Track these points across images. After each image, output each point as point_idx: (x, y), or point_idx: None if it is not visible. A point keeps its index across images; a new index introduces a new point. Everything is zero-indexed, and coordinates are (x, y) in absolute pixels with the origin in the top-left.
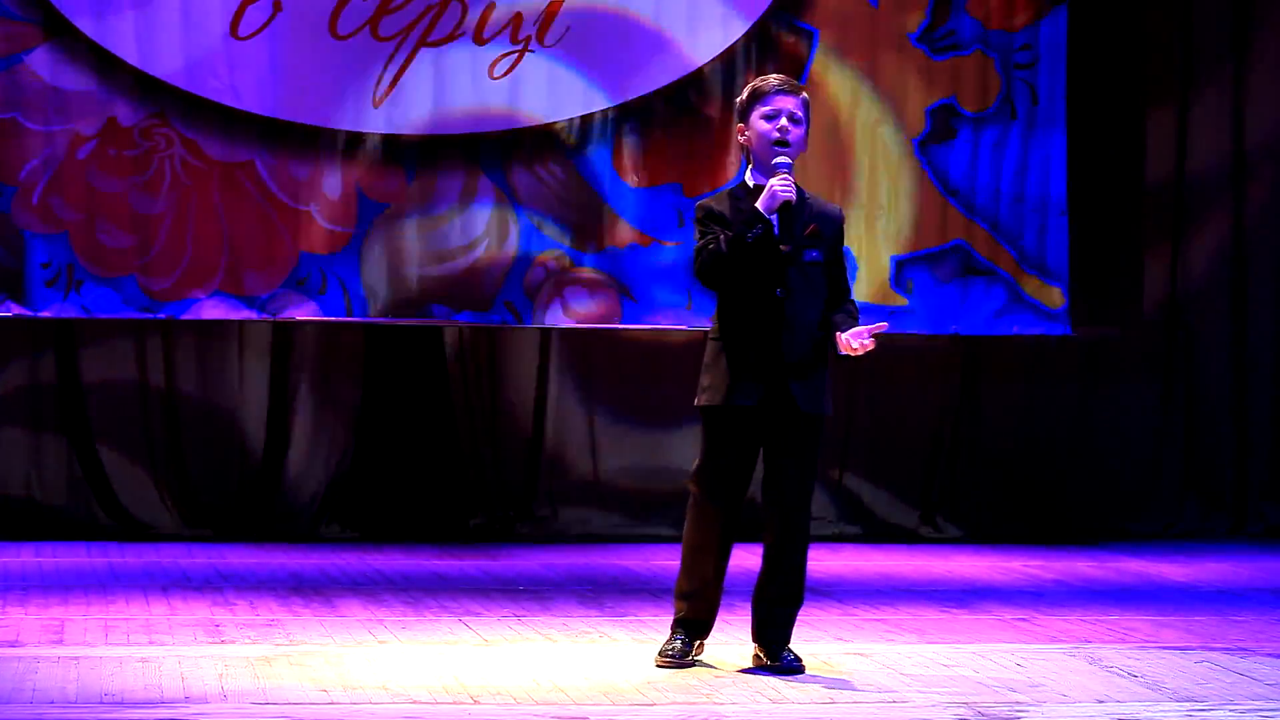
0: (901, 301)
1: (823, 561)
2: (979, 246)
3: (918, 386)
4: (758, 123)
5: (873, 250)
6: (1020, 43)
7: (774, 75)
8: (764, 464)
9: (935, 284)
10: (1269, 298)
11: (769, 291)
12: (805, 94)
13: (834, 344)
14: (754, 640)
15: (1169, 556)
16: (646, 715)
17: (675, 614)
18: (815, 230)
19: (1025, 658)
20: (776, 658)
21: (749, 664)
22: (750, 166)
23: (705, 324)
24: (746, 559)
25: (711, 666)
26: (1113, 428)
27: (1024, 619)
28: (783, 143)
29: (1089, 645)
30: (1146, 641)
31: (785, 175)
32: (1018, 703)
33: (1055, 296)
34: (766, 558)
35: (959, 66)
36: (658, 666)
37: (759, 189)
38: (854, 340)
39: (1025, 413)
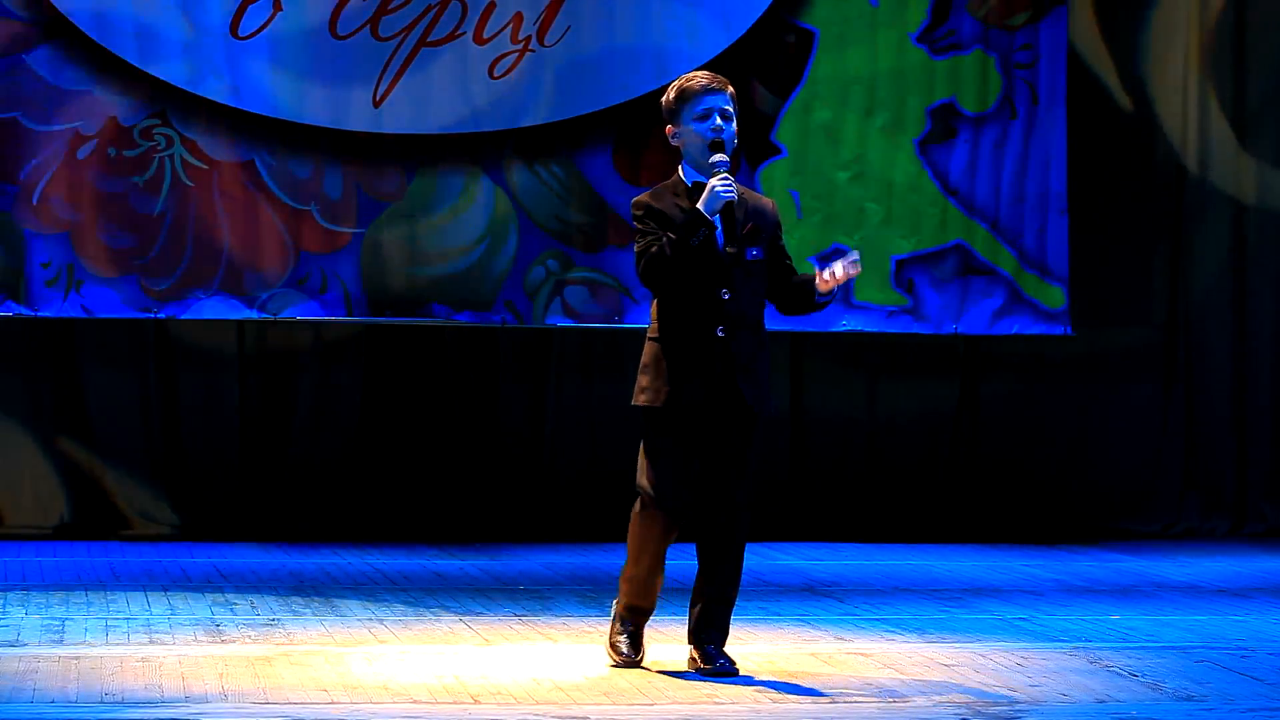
0: (902, 301)
1: (823, 561)
2: (979, 246)
3: (918, 386)
4: (690, 124)
5: (873, 250)
6: (1020, 42)
7: (700, 74)
8: (704, 463)
9: (935, 284)
10: (1270, 297)
11: (712, 292)
12: (731, 88)
13: (815, 292)
14: (690, 643)
15: (1169, 556)
16: (646, 715)
17: (618, 601)
18: (754, 228)
19: (1025, 658)
20: (711, 661)
21: (741, 663)
22: (683, 164)
23: None
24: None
25: None
26: (1113, 427)
27: (1024, 619)
28: (718, 143)
29: (1089, 645)
30: (1146, 641)
31: (724, 175)
32: (1018, 702)
33: (1055, 296)
34: (705, 557)
35: (959, 66)
36: (610, 667)
37: (698, 187)
38: (837, 270)
39: (1025, 413)
